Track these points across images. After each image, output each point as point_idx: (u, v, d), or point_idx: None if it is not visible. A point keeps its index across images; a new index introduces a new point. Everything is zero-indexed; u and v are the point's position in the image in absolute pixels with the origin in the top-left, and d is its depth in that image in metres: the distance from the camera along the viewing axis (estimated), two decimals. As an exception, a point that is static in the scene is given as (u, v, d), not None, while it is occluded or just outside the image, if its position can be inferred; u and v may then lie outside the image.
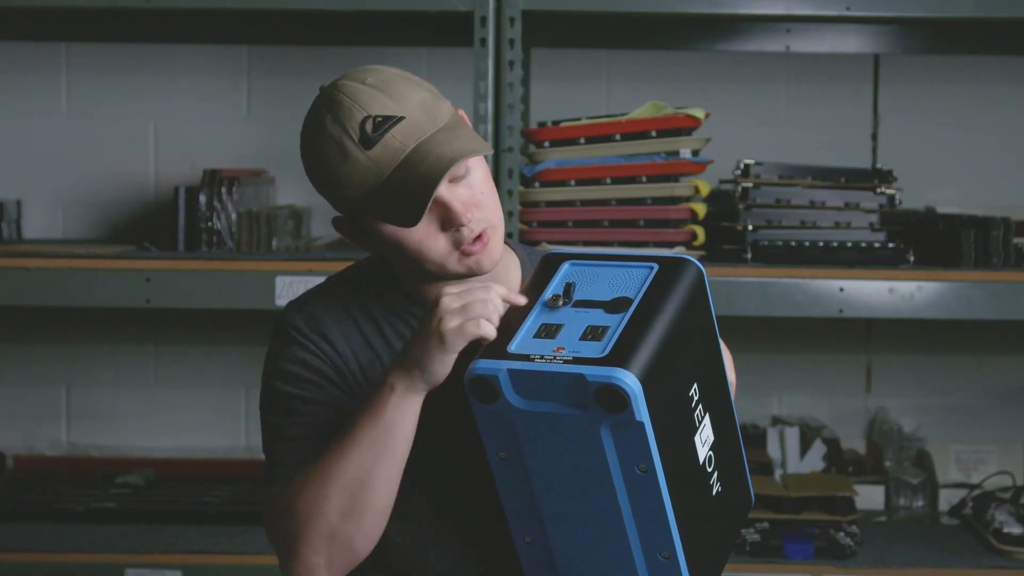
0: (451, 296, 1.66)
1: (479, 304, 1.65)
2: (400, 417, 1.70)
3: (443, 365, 1.67)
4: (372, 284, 1.89)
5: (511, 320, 1.69)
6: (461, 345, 1.66)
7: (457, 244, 1.76)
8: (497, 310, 1.67)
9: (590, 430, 1.60)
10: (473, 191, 1.77)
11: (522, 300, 1.69)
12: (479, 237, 1.77)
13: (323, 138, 1.75)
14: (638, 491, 1.63)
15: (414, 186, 1.71)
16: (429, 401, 1.77)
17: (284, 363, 1.84)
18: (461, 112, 1.84)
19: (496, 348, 1.65)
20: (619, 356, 1.58)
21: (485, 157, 1.84)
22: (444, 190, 1.74)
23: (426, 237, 1.76)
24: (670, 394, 1.64)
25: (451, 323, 1.65)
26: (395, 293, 1.88)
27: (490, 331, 1.65)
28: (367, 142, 1.72)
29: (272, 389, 1.85)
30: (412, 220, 1.71)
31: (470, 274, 1.79)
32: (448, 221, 1.75)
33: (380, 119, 1.73)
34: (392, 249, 1.80)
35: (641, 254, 1.74)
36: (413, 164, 1.72)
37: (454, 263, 1.78)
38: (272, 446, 1.84)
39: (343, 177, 1.74)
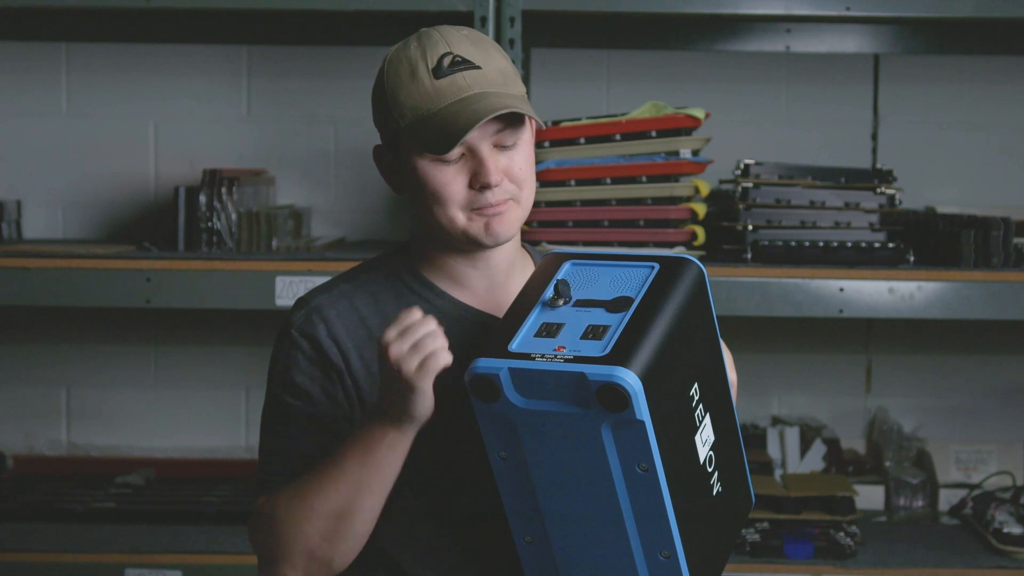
0: (397, 341, 1.67)
1: (429, 338, 1.67)
2: (390, 456, 1.73)
3: (423, 406, 1.70)
4: (382, 270, 1.92)
5: (512, 319, 1.69)
6: (430, 382, 1.68)
7: (475, 204, 1.80)
8: (444, 338, 1.68)
9: (591, 429, 1.60)
10: (513, 163, 1.82)
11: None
12: (499, 205, 1.81)
13: (401, 58, 1.82)
14: (638, 490, 1.63)
15: (461, 119, 1.76)
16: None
17: (283, 368, 1.87)
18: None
19: (497, 347, 1.65)
20: (620, 355, 1.58)
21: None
22: (487, 149, 1.80)
23: (451, 182, 1.80)
24: (671, 393, 1.64)
25: (411, 365, 1.66)
26: (403, 277, 1.90)
27: (449, 359, 1.67)
28: (439, 72, 1.78)
29: (271, 391, 1.89)
30: (446, 147, 1.76)
31: (479, 240, 1.82)
32: (477, 177, 1.79)
33: (459, 59, 1.79)
34: (416, 188, 1.83)
35: (642, 254, 1.74)
36: (469, 102, 1.77)
37: (464, 220, 1.81)
38: (264, 447, 1.88)
39: (404, 98, 1.79)
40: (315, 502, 1.75)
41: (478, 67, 1.80)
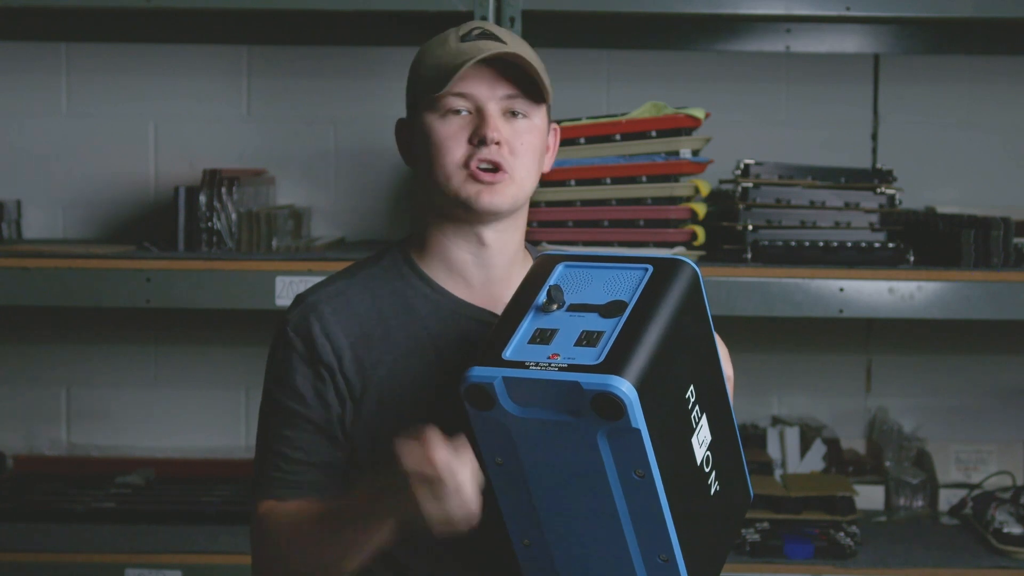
0: (441, 449, 1.62)
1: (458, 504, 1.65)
2: (389, 538, 1.75)
3: (472, 507, 1.68)
4: (379, 266, 1.94)
5: (506, 324, 1.68)
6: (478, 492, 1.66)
7: (470, 160, 1.84)
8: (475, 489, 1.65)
9: (586, 437, 1.59)
10: (517, 136, 1.86)
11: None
12: (493, 171, 1.84)
13: (440, 34, 1.91)
14: (636, 495, 1.62)
15: (464, 63, 1.83)
16: (426, 404, 1.78)
17: (278, 368, 1.91)
18: (555, 126, 1.97)
19: (491, 354, 1.64)
20: (614, 363, 1.58)
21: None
22: (493, 108, 1.85)
23: (453, 135, 1.85)
24: (667, 398, 1.63)
25: (464, 472, 1.63)
26: (401, 271, 1.92)
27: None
28: (466, 38, 1.86)
29: (267, 388, 1.93)
30: (443, 82, 1.82)
31: (466, 205, 1.85)
32: (477, 131, 1.84)
33: (489, 32, 1.87)
34: (423, 148, 1.88)
35: (636, 255, 1.73)
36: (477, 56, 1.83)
37: (459, 180, 1.85)
38: (259, 443, 1.92)
39: (430, 61, 1.87)
40: (310, 555, 1.80)
41: (503, 43, 1.85)
